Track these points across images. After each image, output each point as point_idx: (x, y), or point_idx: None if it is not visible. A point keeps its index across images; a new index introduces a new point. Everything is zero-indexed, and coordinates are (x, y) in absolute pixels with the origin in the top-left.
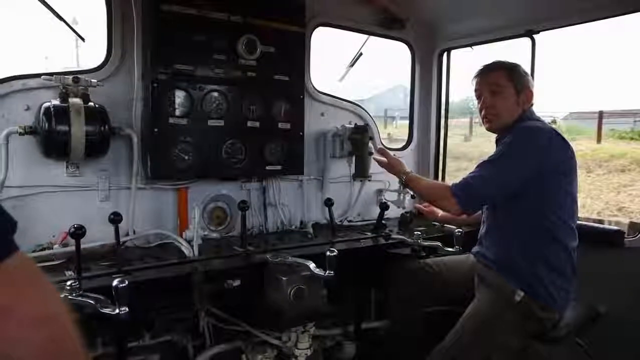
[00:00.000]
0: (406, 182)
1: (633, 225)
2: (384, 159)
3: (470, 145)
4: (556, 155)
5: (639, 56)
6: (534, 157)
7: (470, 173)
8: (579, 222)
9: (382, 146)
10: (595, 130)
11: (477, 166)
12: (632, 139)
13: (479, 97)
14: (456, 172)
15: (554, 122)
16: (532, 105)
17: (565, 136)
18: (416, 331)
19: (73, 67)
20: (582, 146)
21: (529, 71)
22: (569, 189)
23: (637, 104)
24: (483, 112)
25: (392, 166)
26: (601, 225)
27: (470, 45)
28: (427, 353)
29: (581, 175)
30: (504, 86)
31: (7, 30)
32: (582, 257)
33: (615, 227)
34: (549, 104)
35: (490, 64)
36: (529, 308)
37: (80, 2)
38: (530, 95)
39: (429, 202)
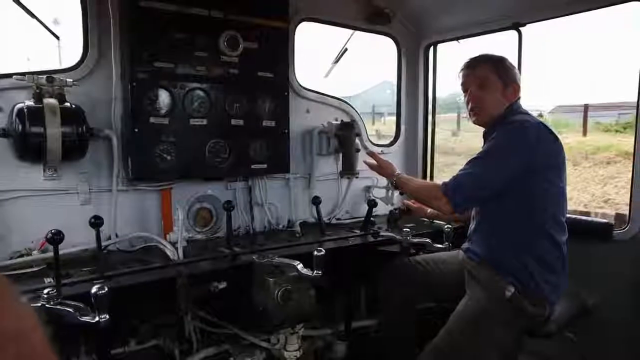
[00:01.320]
0: (397, 184)
1: (619, 217)
2: (373, 161)
3: (458, 141)
4: (545, 150)
5: (622, 49)
6: (523, 155)
7: (460, 171)
8: (567, 215)
9: (369, 142)
10: (581, 123)
11: (467, 163)
12: (617, 131)
13: (465, 90)
14: (445, 167)
15: (541, 115)
16: (519, 98)
17: (553, 129)
18: (407, 329)
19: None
20: (568, 139)
21: (515, 64)
22: (559, 183)
23: (621, 97)
24: (470, 106)
25: (382, 168)
26: (590, 218)
27: (457, 38)
28: (419, 351)
29: (568, 168)
30: (490, 80)
31: None
32: (571, 250)
33: (604, 220)
34: (536, 97)
35: (477, 57)
36: (520, 304)
37: (61, 3)
38: (516, 88)
39: (421, 203)
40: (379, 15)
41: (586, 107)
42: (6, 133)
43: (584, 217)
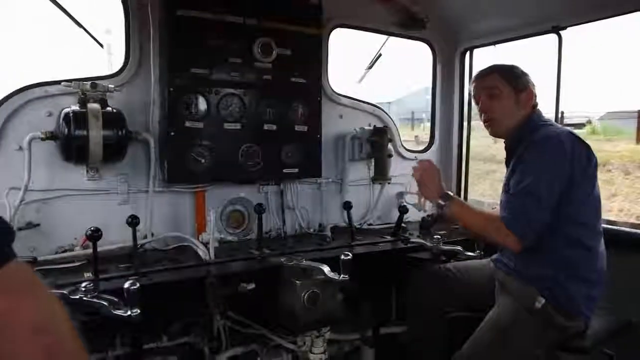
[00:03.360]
0: (447, 210)
1: None
2: (423, 170)
3: (499, 148)
4: (580, 161)
5: None
6: (565, 168)
7: (512, 198)
8: (612, 227)
9: (402, 148)
10: (634, 130)
11: (518, 189)
12: None
13: (477, 102)
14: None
15: (589, 122)
16: (536, 105)
17: (600, 137)
18: (436, 337)
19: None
20: (619, 147)
21: (555, 69)
22: (593, 191)
23: None
24: (482, 117)
25: (424, 186)
26: (635, 230)
27: (494, 43)
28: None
29: (618, 177)
30: (499, 89)
31: (40, 40)
32: (614, 262)
33: None
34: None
35: (486, 68)
36: (550, 316)
37: (112, 14)
38: (531, 95)
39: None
40: (414, 20)
41: None
42: (54, 136)
43: (629, 230)
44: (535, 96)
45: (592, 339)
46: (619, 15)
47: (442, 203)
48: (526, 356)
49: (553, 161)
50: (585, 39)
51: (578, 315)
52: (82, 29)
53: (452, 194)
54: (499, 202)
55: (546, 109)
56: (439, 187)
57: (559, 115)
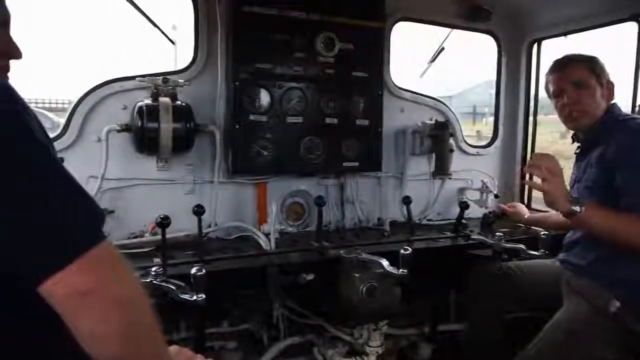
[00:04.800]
0: (581, 215)
1: None
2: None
3: (567, 143)
4: None
5: None
6: None
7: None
8: None
9: (464, 143)
10: None
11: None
12: None
13: (559, 94)
14: None
15: None
16: (614, 98)
17: None
18: (496, 337)
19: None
20: None
21: (634, 61)
22: None
23: None
24: (567, 110)
25: (548, 193)
26: None
27: (565, 34)
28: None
29: None
30: (587, 80)
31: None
32: None
33: None
34: None
35: (567, 57)
36: (625, 320)
37: (181, 11)
38: (612, 87)
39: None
40: (478, 11)
41: None
42: (129, 128)
43: None
44: (614, 88)
45: None
46: None
47: (576, 209)
48: (599, 358)
49: None
50: None
51: None
52: (155, 27)
53: (574, 195)
54: None
55: (623, 103)
56: (565, 188)
57: (637, 109)
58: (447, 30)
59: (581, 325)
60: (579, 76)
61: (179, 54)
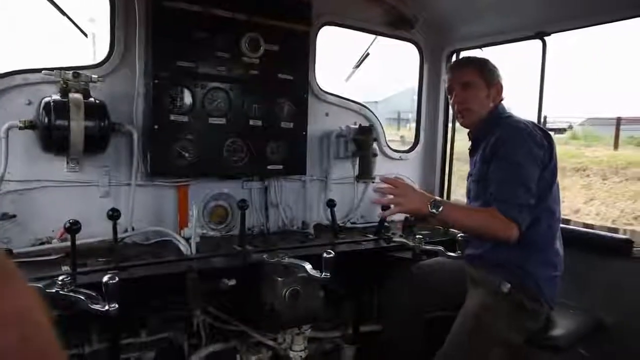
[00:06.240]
0: (440, 216)
1: None
2: (390, 186)
3: None
4: (547, 149)
5: None
6: (538, 154)
7: (499, 186)
8: (587, 229)
9: (387, 148)
10: (612, 136)
11: (504, 178)
12: None
13: (450, 92)
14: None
15: (570, 127)
16: (502, 99)
17: (581, 141)
18: (416, 336)
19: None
20: (598, 152)
21: (539, 74)
22: (555, 180)
23: None
24: (456, 107)
25: (404, 197)
26: (609, 234)
27: (480, 46)
28: (428, 358)
29: (596, 183)
30: (474, 81)
31: (22, 27)
32: (589, 265)
33: (625, 236)
34: (565, 109)
35: (460, 60)
36: (519, 298)
37: (94, 2)
38: (500, 88)
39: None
40: (402, 21)
41: (618, 120)
42: (33, 125)
43: (603, 233)
44: (503, 90)
45: (566, 338)
46: (602, 23)
47: (434, 211)
48: (500, 338)
49: (529, 149)
50: (569, 45)
51: (542, 298)
52: (66, 17)
53: (438, 198)
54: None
55: (529, 113)
56: (421, 194)
57: (542, 120)
58: (373, 36)
59: (479, 306)
60: (467, 77)
61: (97, 48)
